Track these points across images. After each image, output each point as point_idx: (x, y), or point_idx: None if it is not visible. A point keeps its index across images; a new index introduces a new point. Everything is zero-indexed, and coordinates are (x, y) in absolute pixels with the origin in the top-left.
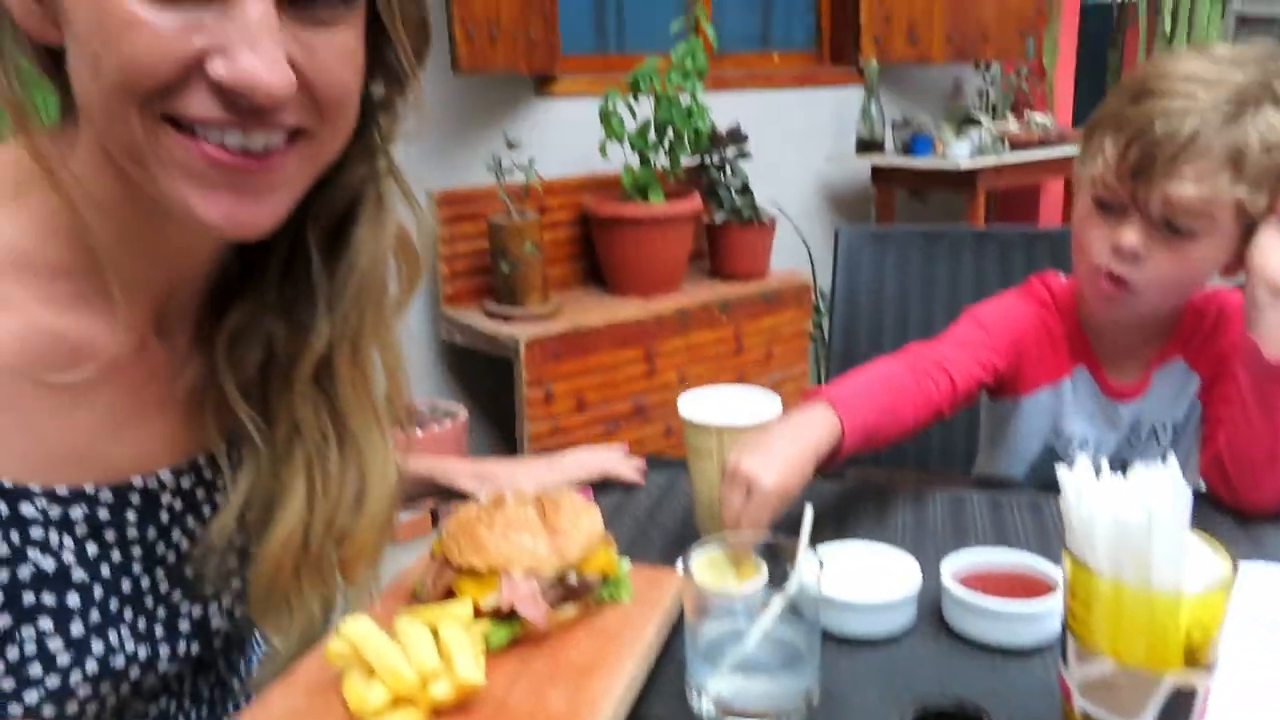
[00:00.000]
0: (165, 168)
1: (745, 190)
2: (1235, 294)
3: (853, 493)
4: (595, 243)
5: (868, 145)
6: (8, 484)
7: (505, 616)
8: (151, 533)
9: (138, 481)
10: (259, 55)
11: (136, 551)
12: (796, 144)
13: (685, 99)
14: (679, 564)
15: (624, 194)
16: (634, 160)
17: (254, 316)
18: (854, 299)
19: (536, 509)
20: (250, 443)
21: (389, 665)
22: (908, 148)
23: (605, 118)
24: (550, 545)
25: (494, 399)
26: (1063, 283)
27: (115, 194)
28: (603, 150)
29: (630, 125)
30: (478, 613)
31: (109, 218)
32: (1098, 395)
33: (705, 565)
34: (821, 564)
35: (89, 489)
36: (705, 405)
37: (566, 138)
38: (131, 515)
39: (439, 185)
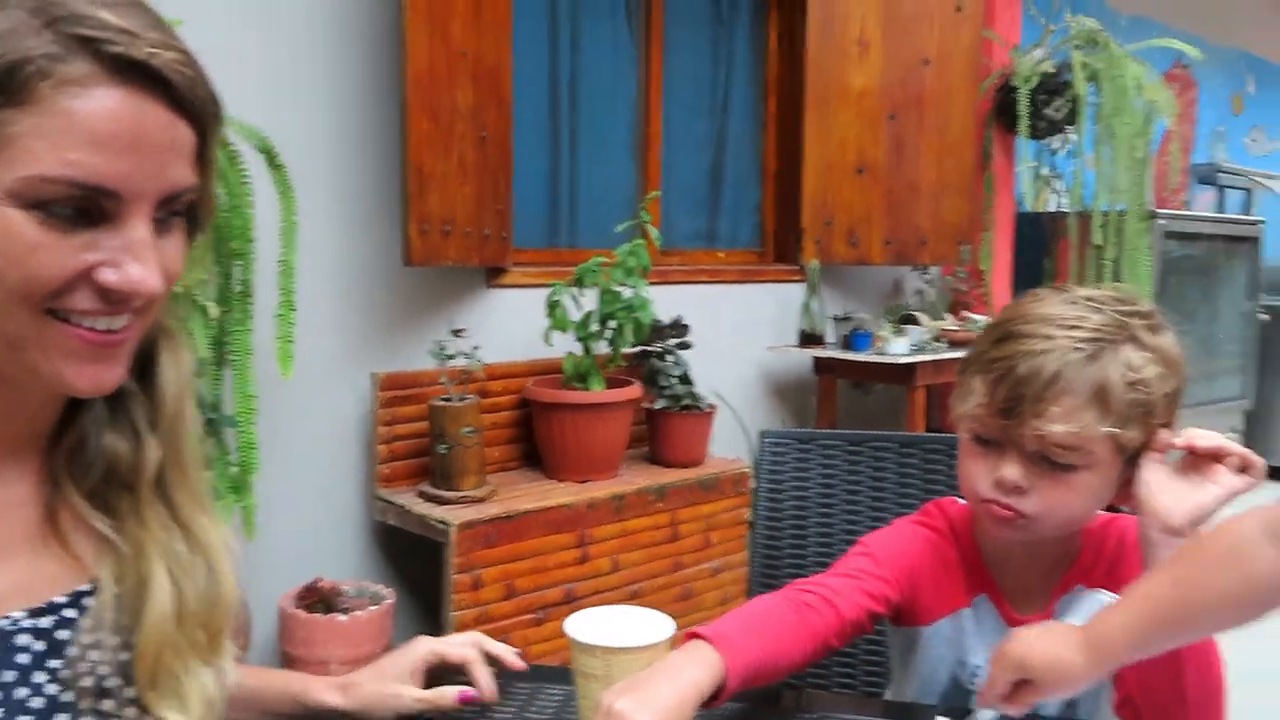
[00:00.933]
0: (45, 351)
1: (686, 379)
2: (1133, 521)
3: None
4: (535, 426)
5: (809, 338)
6: None
7: None
8: (9, 675)
9: None
10: (143, 265)
11: None
12: (740, 335)
13: (628, 293)
14: None
15: (565, 380)
16: (577, 348)
17: (89, 438)
18: (778, 501)
19: None
20: (108, 550)
21: None
22: (848, 342)
23: (551, 308)
24: None
25: (424, 582)
26: (961, 508)
27: None
28: (547, 338)
29: (575, 315)
30: None
31: None
32: (1000, 625)
33: None
34: None
35: None
36: (594, 625)
37: (513, 325)
38: None
39: (384, 368)
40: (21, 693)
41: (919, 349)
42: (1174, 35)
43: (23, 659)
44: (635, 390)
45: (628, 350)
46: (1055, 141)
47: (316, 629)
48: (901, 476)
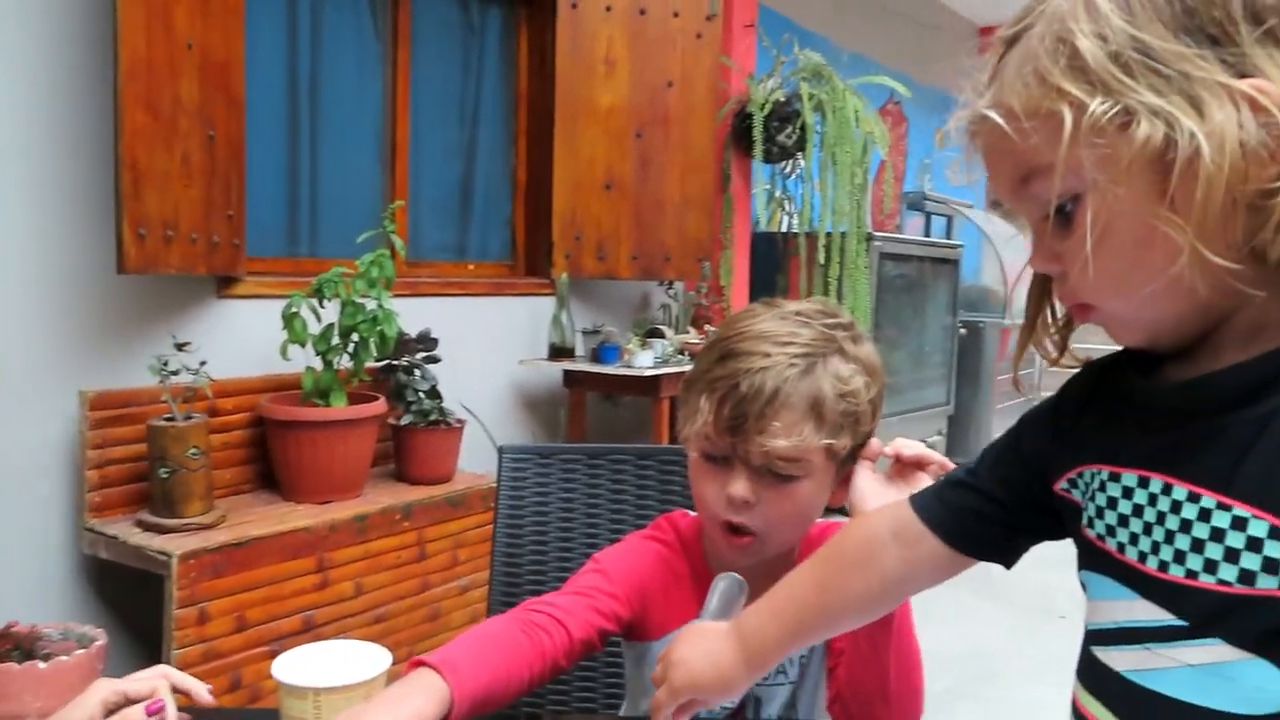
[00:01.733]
0: None
1: (434, 393)
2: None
3: None
4: (271, 446)
5: (559, 351)
6: None
7: None
8: None
9: None
10: None
11: None
12: (491, 348)
13: (371, 305)
14: None
15: (304, 396)
16: (317, 363)
17: None
18: (519, 517)
19: None
20: None
21: None
22: (597, 355)
23: (289, 320)
24: None
25: (144, 620)
26: (691, 520)
27: None
28: (284, 352)
29: (315, 328)
30: None
31: None
32: None
33: None
34: None
35: None
36: (304, 665)
37: (247, 338)
38: None
39: (95, 385)
40: None
41: (663, 361)
42: (887, 73)
43: None
44: (380, 406)
45: (372, 365)
46: (787, 166)
47: (10, 679)
48: (640, 488)
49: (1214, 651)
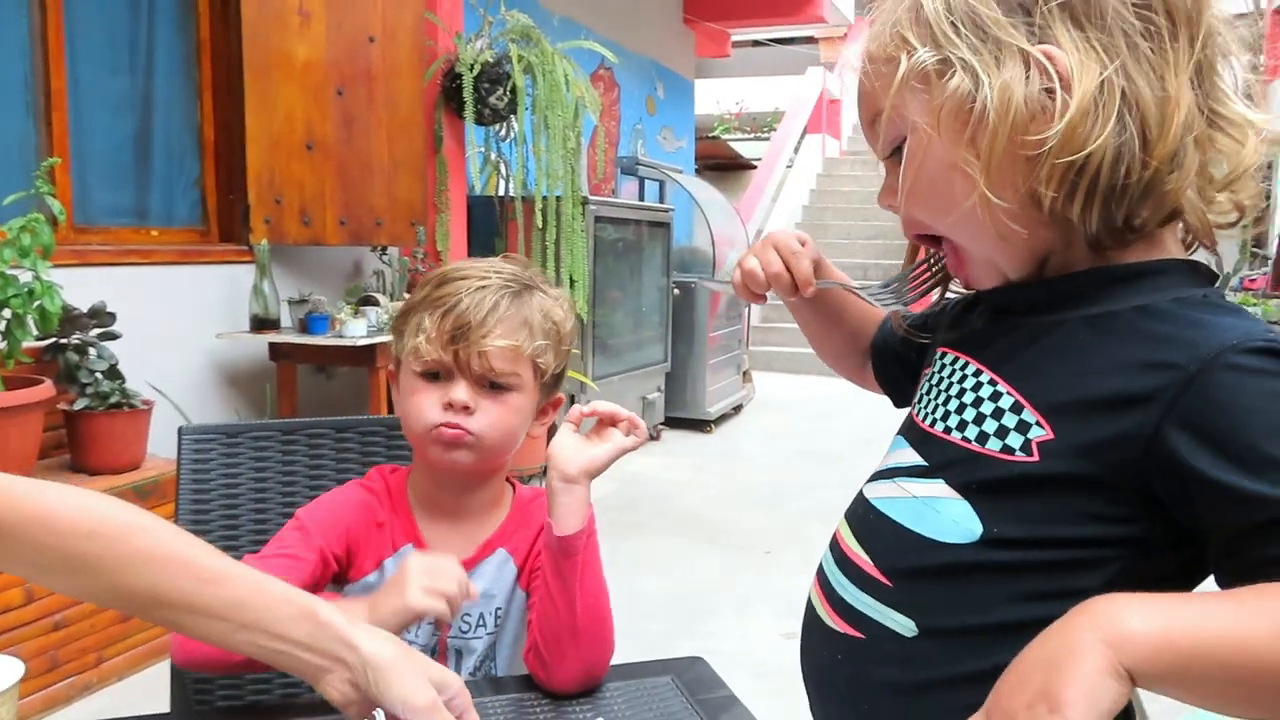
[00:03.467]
0: None
1: (114, 373)
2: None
3: None
4: None
5: (262, 323)
6: None
7: None
8: None
9: None
10: None
11: None
12: (184, 322)
13: (26, 276)
14: None
15: None
16: None
17: None
18: (205, 498)
19: None
20: None
21: None
22: (305, 325)
23: None
24: None
25: None
26: (400, 473)
27: None
28: None
29: None
30: None
31: None
32: None
33: None
34: None
35: None
36: None
37: None
38: None
39: None
40: None
41: (378, 329)
42: (597, 39)
43: None
44: (45, 390)
45: (32, 345)
46: (500, 129)
47: None
48: (339, 462)
49: (934, 488)
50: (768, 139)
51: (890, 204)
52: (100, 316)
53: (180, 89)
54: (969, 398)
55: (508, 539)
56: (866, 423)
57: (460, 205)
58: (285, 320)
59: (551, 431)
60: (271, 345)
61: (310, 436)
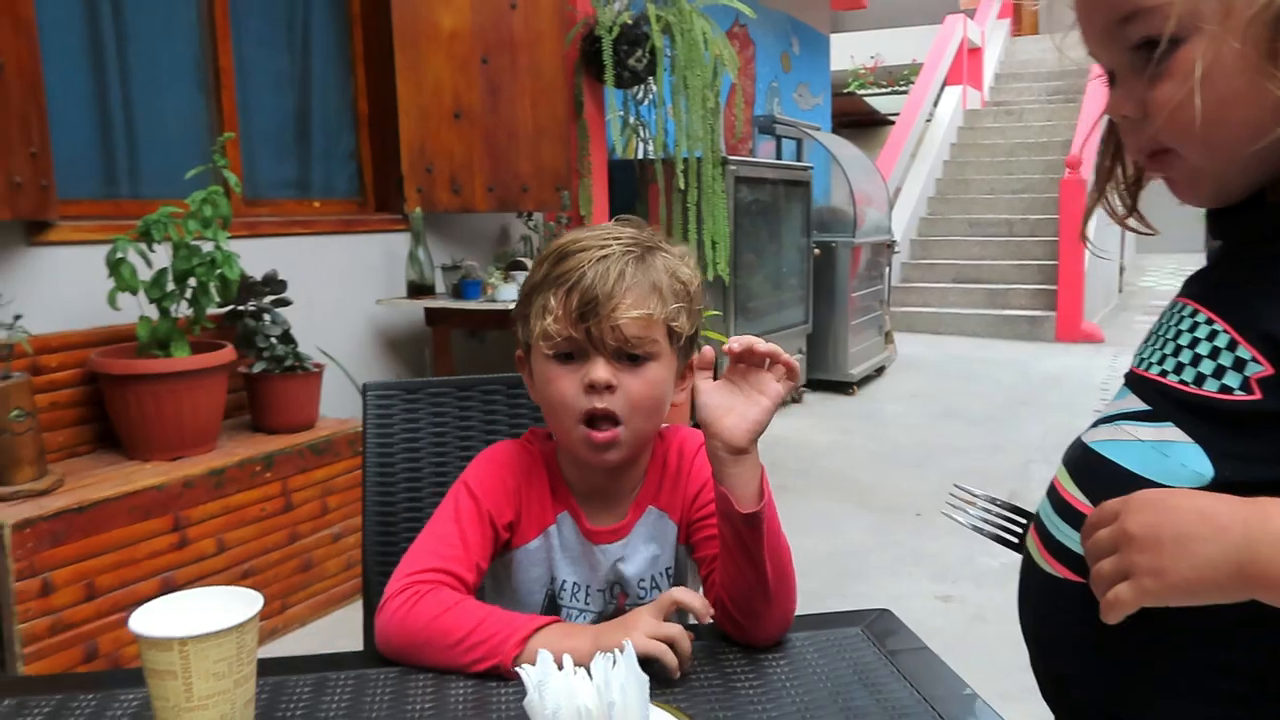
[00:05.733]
0: None
1: (287, 338)
2: (687, 432)
3: (364, 686)
4: (109, 403)
5: (419, 289)
6: None
7: None
8: None
9: None
10: None
11: None
12: (345, 289)
13: (208, 247)
14: None
15: (140, 348)
16: (151, 312)
17: None
18: (389, 451)
19: None
20: None
21: None
22: (458, 290)
23: (115, 267)
24: None
25: None
26: (546, 434)
27: None
28: (112, 301)
29: (146, 274)
30: None
31: None
32: (581, 540)
33: None
34: None
35: None
36: (165, 616)
37: (67, 288)
38: None
39: None
40: None
41: None
42: None
43: None
44: (228, 354)
45: (214, 311)
46: (639, 91)
47: None
48: (512, 417)
49: (1164, 432)
50: (905, 92)
51: (1127, 114)
52: (273, 284)
53: (335, 64)
54: (1185, 339)
55: (654, 495)
56: (1015, 384)
57: (601, 169)
58: (439, 286)
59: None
60: (427, 310)
61: (484, 393)
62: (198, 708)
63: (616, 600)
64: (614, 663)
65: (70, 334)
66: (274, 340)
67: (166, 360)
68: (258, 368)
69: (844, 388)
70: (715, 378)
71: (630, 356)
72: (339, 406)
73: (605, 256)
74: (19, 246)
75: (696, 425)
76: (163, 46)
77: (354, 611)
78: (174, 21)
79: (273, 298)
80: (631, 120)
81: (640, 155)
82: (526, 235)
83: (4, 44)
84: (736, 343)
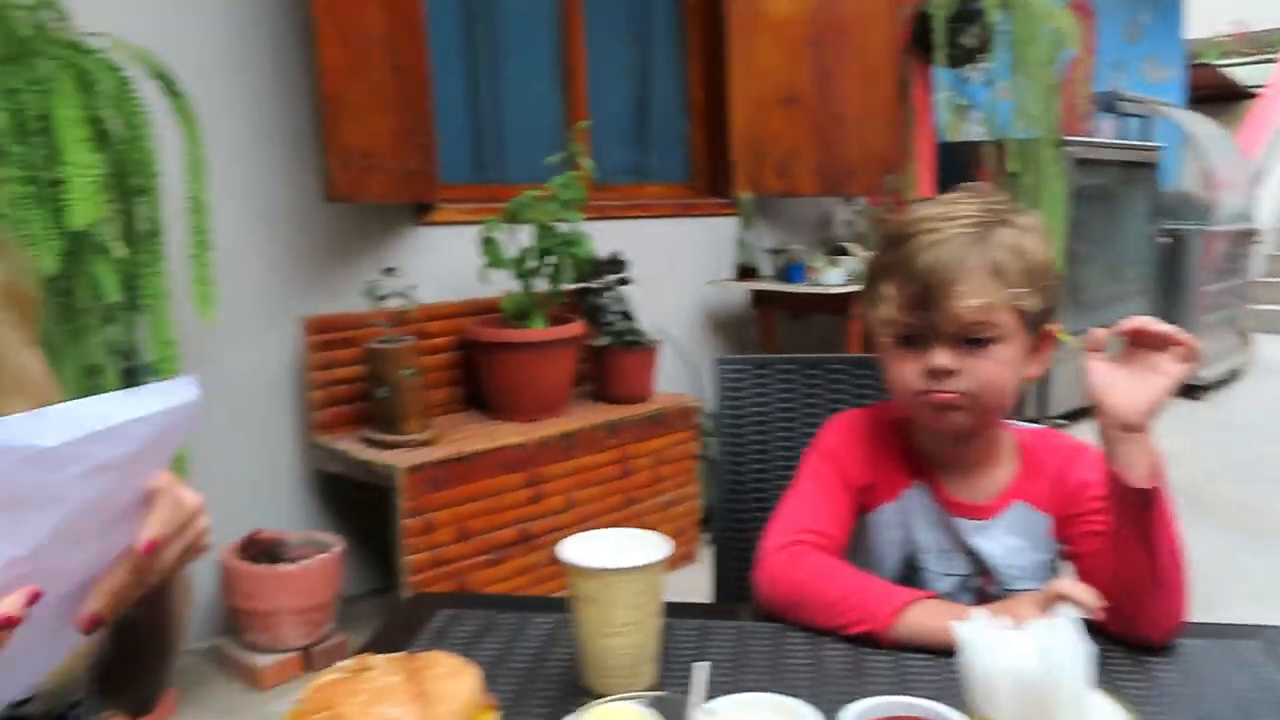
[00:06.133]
0: None
1: (627, 314)
2: (1076, 446)
3: (745, 636)
4: (477, 367)
5: (746, 271)
6: None
7: None
8: None
9: None
10: None
11: None
12: (676, 270)
13: (565, 227)
14: None
15: (505, 319)
16: (515, 286)
17: None
18: (739, 424)
19: (405, 672)
20: None
21: None
22: (784, 274)
23: (486, 245)
24: (420, 716)
25: (371, 528)
26: (900, 407)
27: None
28: (483, 276)
29: (511, 252)
30: None
31: None
32: (938, 508)
33: None
34: None
35: None
36: (588, 549)
37: (446, 264)
38: None
39: (312, 311)
40: None
41: (852, 279)
42: None
43: None
44: (578, 327)
45: (567, 287)
46: (969, 70)
47: (262, 581)
48: (858, 398)
49: None
50: (1274, 61)
51: None
52: (616, 264)
53: (672, 54)
54: None
55: (1024, 491)
56: None
57: (928, 153)
58: (764, 269)
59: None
60: (754, 292)
61: (829, 371)
62: (615, 634)
63: (981, 582)
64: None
65: (447, 304)
66: (616, 316)
67: (527, 331)
68: (602, 341)
69: (1191, 391)
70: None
71: (973, 340)
72: (672, 381)
73: (940, 241)
74: (409, 226)
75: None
76: (526, 45)
77: (679, 577)
78: (535, 21)
79: (616, 276)
80: (960, 101)
81: (969, 138)
82: (850, 219)
83: (405, 51)
84: (1128, 324)
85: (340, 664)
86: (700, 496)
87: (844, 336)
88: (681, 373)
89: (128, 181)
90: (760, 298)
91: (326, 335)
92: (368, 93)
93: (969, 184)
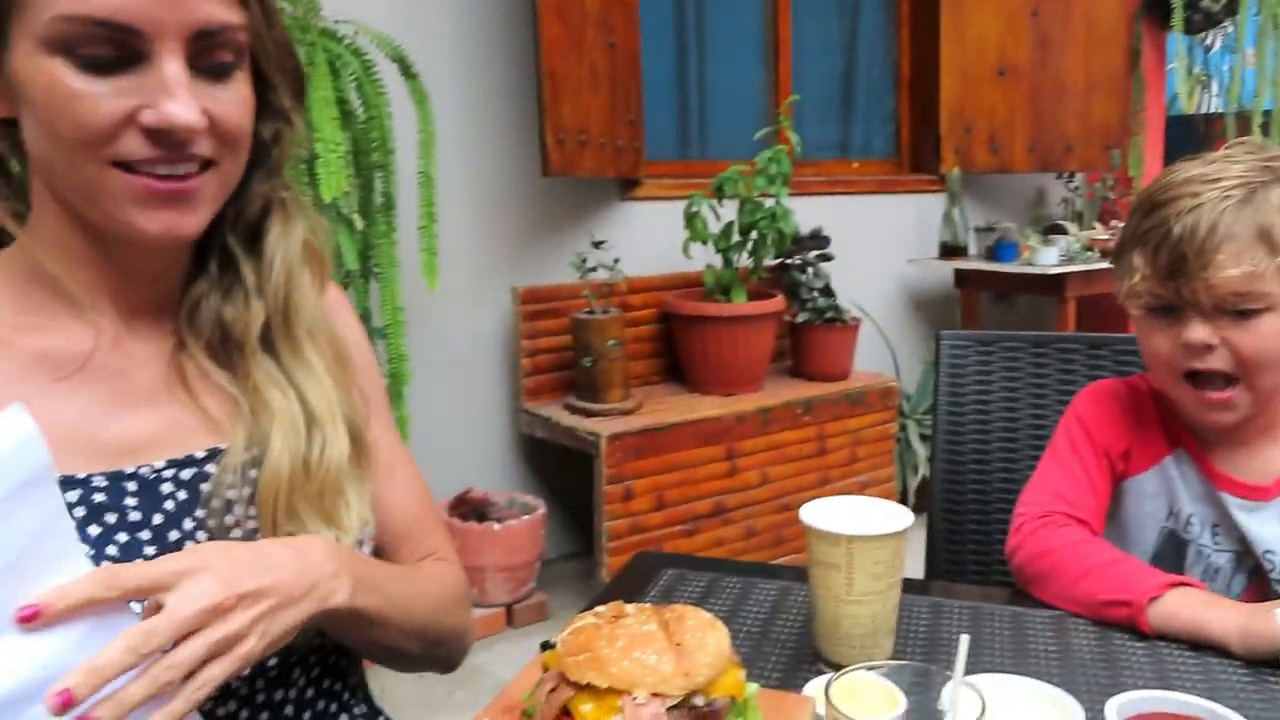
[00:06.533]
0: (115, 200)
1: (827, 291)
2: None
3: (981, 617)
4: (677, 340)
5: (951, 250)
6: None
7: None
8: (157, 519)
9: (129, 468)
10: (178, 102)
11: (145, 535)
12: (878, 248)
13: (769, 202)
14: (810, 689)
15: (706, 293)
16: (716, 261)
17: (203, 298)
18: (960, 402)
19: (659, 622)
20: (236, 409)
21: None
22: (992, 253)
23: (690, 219)
24: (676, 665)
25: (571, 493)
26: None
27: (65, 228)
28: (686, 250)
29: (714, 227)
30: None
31: (64, 249)
32: (1202, 480)
33: (843, 694)
34: (984, 704)
35: (80, 474)
36: (830, 514)
37: (649, 238)
38: (131, 500)
39: (523, 282)
40: (173, 535)
41: (1069, 259)
42: None
43: (169, 505)
44: (778, 302)
45: (768, 263)
46: (1208, 36)
47: (471, 537)
48: (1091, 380)
49: None
50: None
51: None
52: (818, 240)
53: (881, 26)
54: None
55: None
56: None
57: (1157, 126)
58: (972, 248)
59: None
60: (958, 272)
61: (1061, 351)
62: (855, 602)
63: (1255, 572)
64: None
65: (651, 277)
66: (816, 292)
67: (728, 305)
68: (801, 318)
69: None
70: None
71: (1238, 311)
72: (870, 360)
73: (1196, 206)
74: (615, 201)
75: None
76: (733, 19)
77: None
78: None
79: (817, 253)
80: (1196, 70)
81: (1204, 109)
82: (1067, 198)
83: (617, 28)
84: None
85: (596, 609)
86: (896, 479)
87: (1054, 319)
88: (881, 351)
89: (367, 158)
90: (964, 277)
91: (537, 305)
92: (583, 70)
93: (1242, 140)
